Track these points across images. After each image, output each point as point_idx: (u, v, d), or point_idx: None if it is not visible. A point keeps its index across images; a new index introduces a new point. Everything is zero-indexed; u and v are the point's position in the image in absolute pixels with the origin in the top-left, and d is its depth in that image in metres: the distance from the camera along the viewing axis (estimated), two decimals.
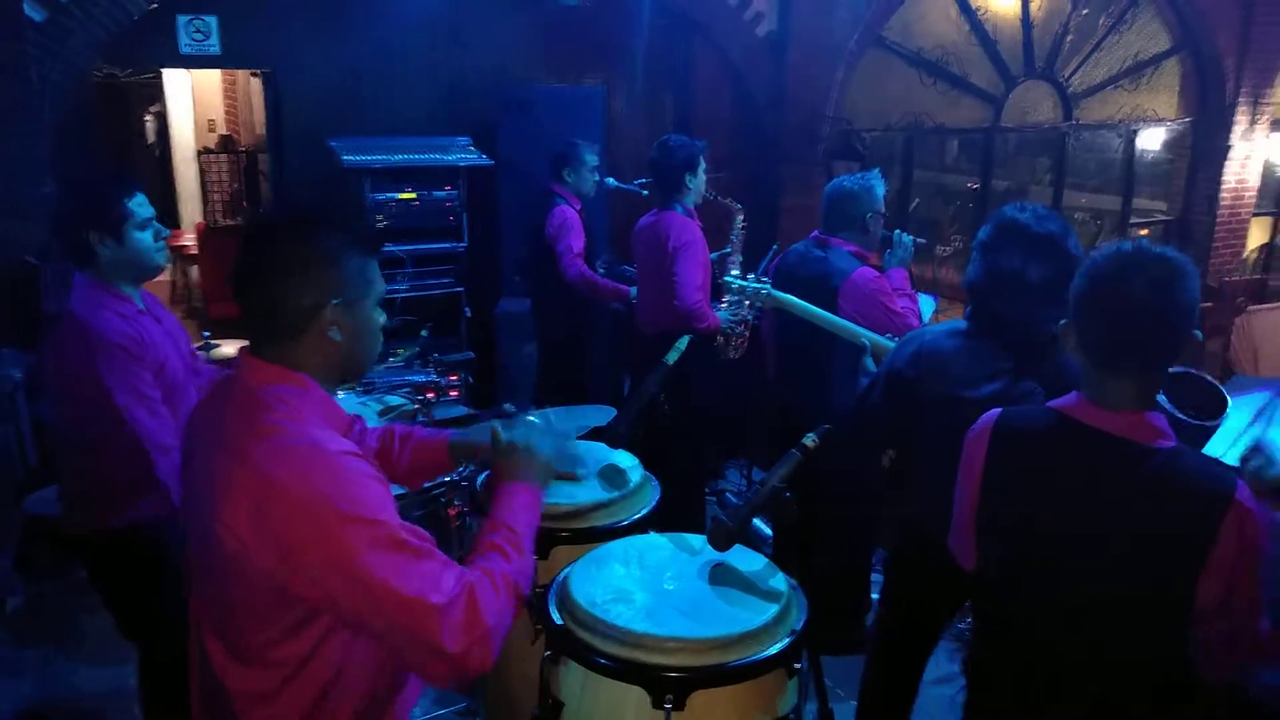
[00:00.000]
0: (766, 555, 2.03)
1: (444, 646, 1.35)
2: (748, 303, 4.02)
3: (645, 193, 4.36)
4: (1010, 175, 7.59)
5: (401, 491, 2.67)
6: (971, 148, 7.35)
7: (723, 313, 4.02)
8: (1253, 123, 7.56)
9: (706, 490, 4.74)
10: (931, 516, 2.51)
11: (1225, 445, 3.11)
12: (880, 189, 3.43)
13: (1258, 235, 8.62)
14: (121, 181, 2.44)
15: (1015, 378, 2.31)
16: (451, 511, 2.89)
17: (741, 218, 4.16)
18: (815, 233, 3.48)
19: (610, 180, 4.85)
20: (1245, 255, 8.39)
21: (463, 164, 5.12)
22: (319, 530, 1.33)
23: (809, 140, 5.99)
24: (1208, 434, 1.84)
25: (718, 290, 4.05)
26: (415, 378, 3.44)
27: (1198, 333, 1.60)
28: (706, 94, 6.17)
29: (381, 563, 1.33)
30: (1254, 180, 7.81)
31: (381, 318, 1.57)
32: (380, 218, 4.87)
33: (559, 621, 1.82)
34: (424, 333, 3.80)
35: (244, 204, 8.64)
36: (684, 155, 3.91)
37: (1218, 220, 7.67)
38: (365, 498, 1.37)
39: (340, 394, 3.32)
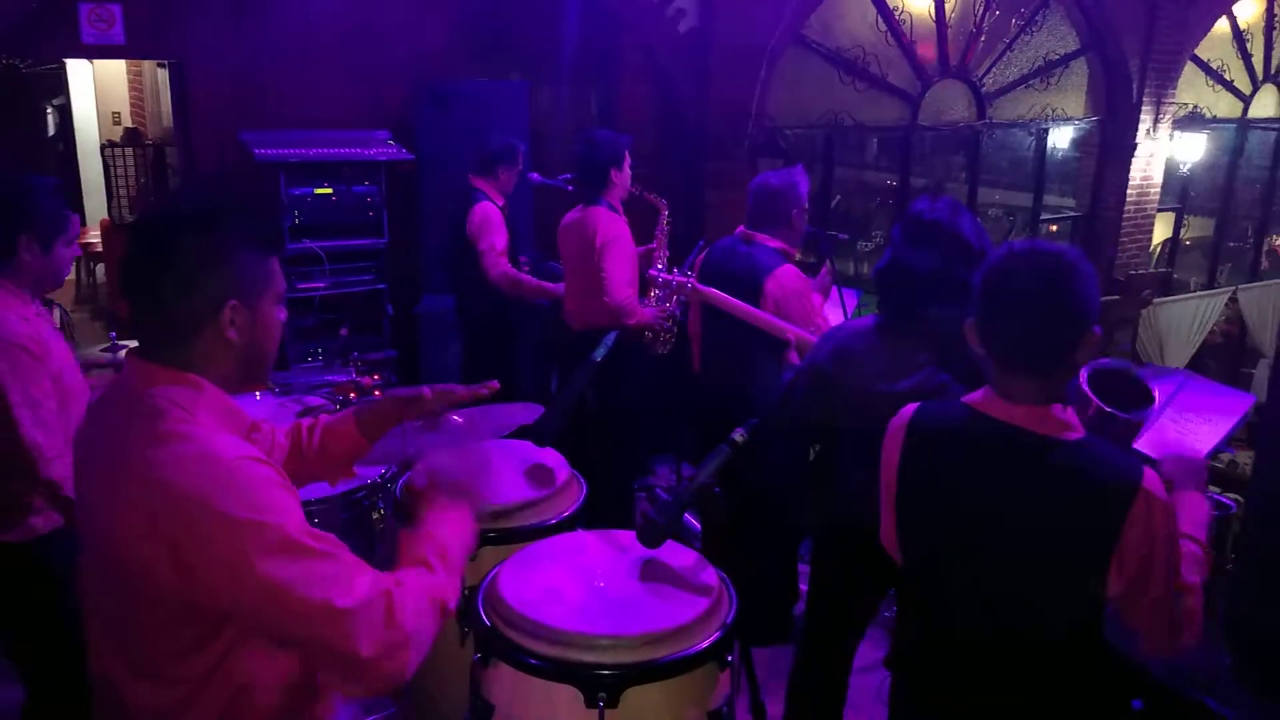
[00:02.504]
0: (696, 549, 2.03)
1: (356, 651, 1.31)
2: (674, 298, 4.02)
3: (570, 188, 4.33)
4: (928, 172, 7.75)
5: (322, 497, 2.61)
6: (891, 145, 7.49)
7: (650, 308, 4.02)
8: (1156, 122, 7.86)
9: (636, 486, 4.75)
10: (853, 507, 2.56)
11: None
12: (804, 185, 3.47)
13: (1162, 230, 8.98)
14: (61, 190, 2.36)
15: (931, 371, 2.36)
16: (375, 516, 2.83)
17: (667, 213, 4.16)
18: (740, 228, 3.51)
19: (534, 176, 4.80)
20: (1150, 249, 8.73)
21: (382, 159, 5.02)
22: (219, 539, 1.28)
23: (733, 136, 6.02)
24: (1136, 428, 1.89)
25: (644, 285, 4.04)
26: (335, 378, 3.36)
27: (1096, 328, 1.61)
28: (631, 90, 6.16)
29: (285, 568, 1.29)
30: (1158, 177, 8.12)
31: (282, 316, 1.50)
32: (297, 214, 4.74)
33: (487, 623, 1.79)
34: (342, 331, 3.70)
35: (151, 199, 8.34)
36: (609, 150, 3.89)
37: (1124, 216, 7.95)
38: (265, 503, 1.31)
39: (258, 395, 3.24)
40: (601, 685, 1.65)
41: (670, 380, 4.51)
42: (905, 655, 1.90)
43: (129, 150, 8.71)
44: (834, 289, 3.91)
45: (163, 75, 7.41)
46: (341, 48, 5.38)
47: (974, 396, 1.71)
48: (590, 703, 1.65)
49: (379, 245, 5.05)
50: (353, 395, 3.38)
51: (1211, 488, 3.21)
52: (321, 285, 4.73)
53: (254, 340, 1.44)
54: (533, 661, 1.70)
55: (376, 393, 4.02)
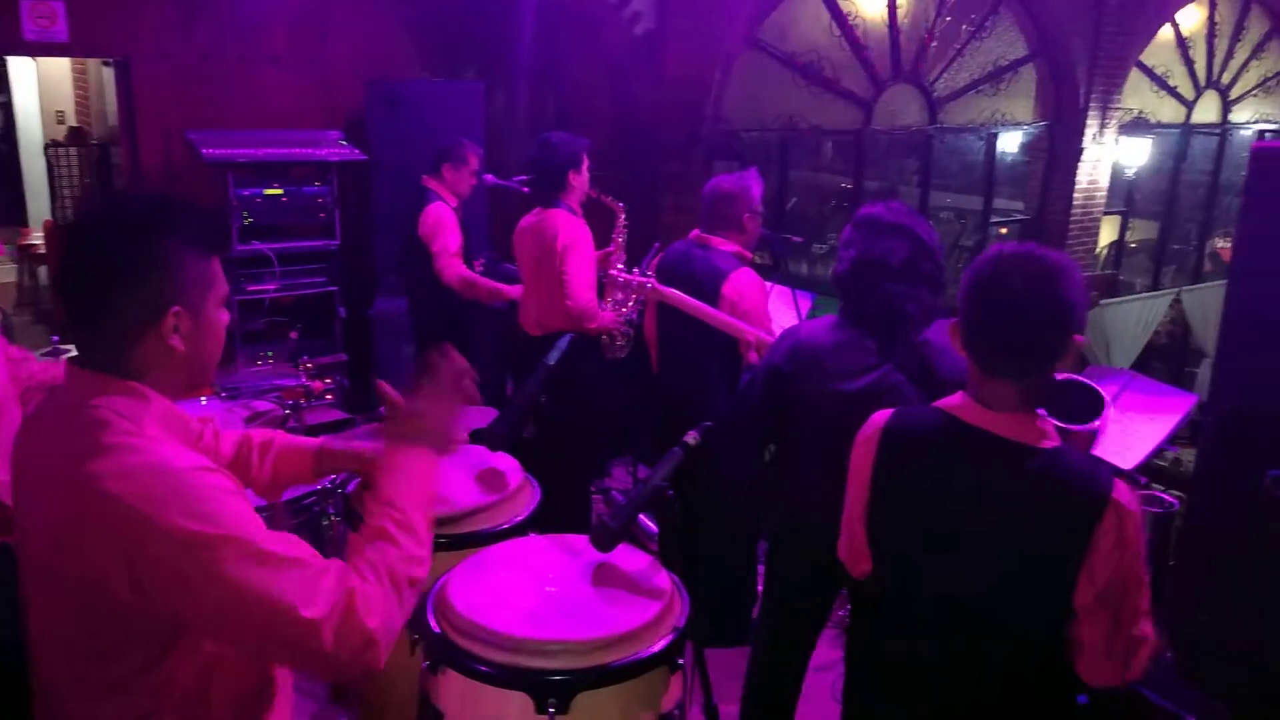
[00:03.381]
0: (652, 551, 2.03)
1: (327, 653, 1.28)
2: (632, 300, 4.02)
3: (526, 190, 4.30)
4: (881, 175, 7.84)
5: (268, 504, 2.56)
6: (845, 149, 7.56)
7: (609, 311, 4.00)
8: (1102, 126, 8.02)
9: (593, 489, 4.73)
10: (809, 508, 2.57)
11: None
12: (757, 188, 3.47)
13: (1108, 233, 9.17)
14: None
15: (886, 370, 2.39)
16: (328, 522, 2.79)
17: (624, 216, 4.15)
18: (695, 232, 3.51)
19: (489, 177, 4.77)
20: (1097, 251, 8.90)
21: (334, 159, 4.96)
22: (174, 553, 1.24)
23: (689, 139, 6.03)
24: (1092, 437, 1.92)
25: (602, 288, 4.03)
26: (284, 381, 3.30)
27: (1078, 336, 1.61)
28: (588, 92, 6.14)
29: (247, 579, 1.25)
30: (1104, 181, 8.29)
31: (225, 319, 1.46)
32: (246, 215, 4.66)
33: (437, 630, 1.76)
34: (292, 334, 3.64)
35: (89, 201, 8.15)
36: (567, 153, 3.87)
37: (1071, 219, 8.10)
38: (220, 513, 1.27)
39: (203, 400, 3.17)
40: (552, 691, 1.64)
41: (627, 383, 4.50)
42: (863, 656, 1.91)
43: (73, 150, 8.51)
44: (788, 290, 3.94)
45: (108, 73, 7.26)
46: (292, 46, 5.31)
47: (950, 402, 1.71)
48: (540, 709, 1.64)
49: (331, 247, 4.99)
50: (305, 401, 3.32)
51: (1155, 486, 3.28)
52: (272, 287, 4.66)
53: (198, 346, 1.39)
54: (482, 668, 1.68)
55: (329, 396, 3.98)
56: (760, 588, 3.36)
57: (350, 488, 2.31)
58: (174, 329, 1.35)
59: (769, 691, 2.82)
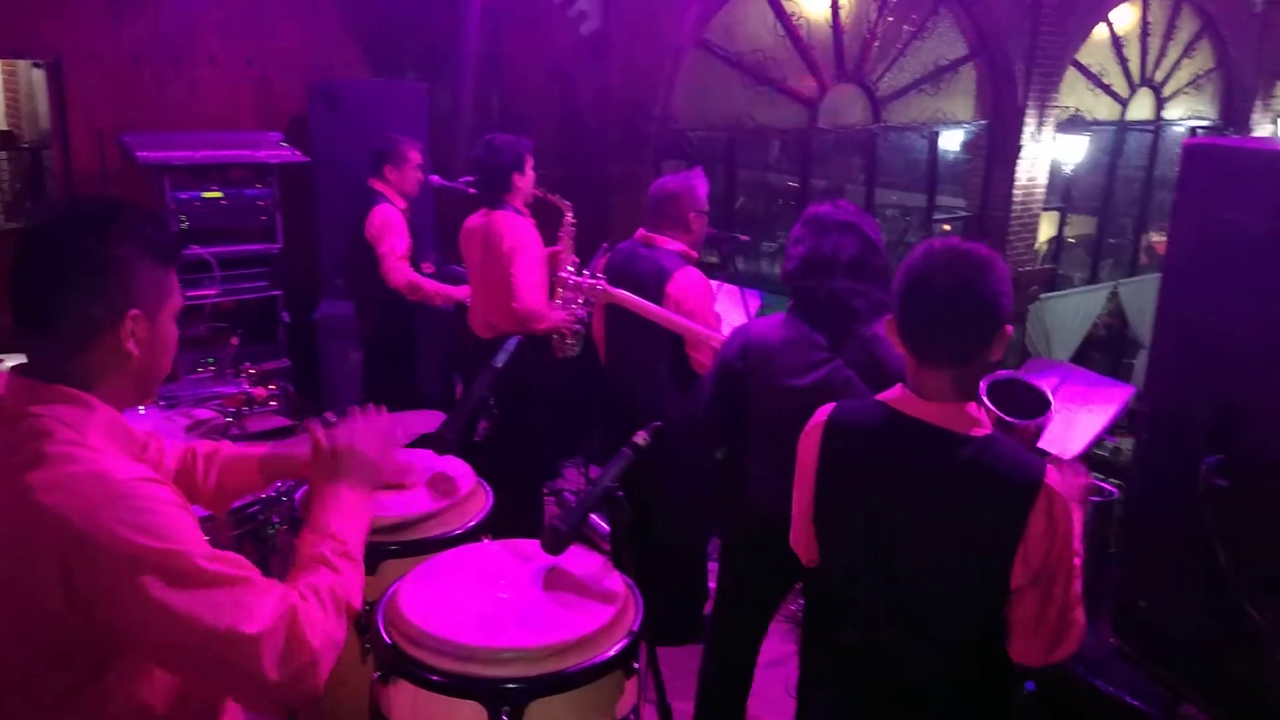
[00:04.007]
0: (605, 551, 2.02)
1: (266, 677, 1.26)
2: (581, 300, 4.00)
3: (472, 191, 4.26)
4: (827, 174, 7.91)
5: (211, 514, 2.50)
6: (791, 148, 7.61)
7: (558, 312, 3.98)
8: (1040, 124, 8.19)
9: (545, 491, 4.70)
10: (763, 503, 2.59)
11: None
12: (702, 188, 3.48)
13: (1047, 228, 9.36)
14: None
15: (836, 365, 2.42)
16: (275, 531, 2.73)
17: (571, 216, 4.13)
18: (641, 231, 3.51)
19: (435, 178, 4.72)
20: (1037, 247, 9.09)
21: (274, 160, 4.85)
22: (115, 567, 1.21)
23: (637, 139, 6.03)
24: (1037, 433, 1.95)
25: (551, 288, 4.01)
26: (226, 389, 3.22)
27: (1009, 326, 1.66)
28: (534, 92, 6.11)
29: (186, 596, 1.23)
30: (1042, 178, 8.46)
31: (176, 333, 1.44)
32: (183, 219, 4.55)
33: (388, 640, 1.74)
34: (234, 340, 3.56)
35: (28, 206, 7.91)
36: (510, 154, 3.84)
37: (1011, 215, 8.25)
38: (164, 527, 1.25)
39: (142, 410, 3.08)
40: (505, 699, 1.62)
41: (578, 383, 4.48)
42: (814, 648, 1.93)
43: (3, 153, 8.24)
44: (736, 288, 3.95)
45: (38, 75, 7.04)
46: (229, 46, 5.20)
47: (889, 395, 1.75)
48: (494, 717, 1.62)
49: (273, 250, 4.89)
50: (247, 408, 3.25)
51: (1095, 475, 3.36)
52: (212, 293, 4.55)
53: (151, 355, 1.38)
54: (434, 678, 1.66)
55: (274, 403, 3.90)
56: (713, 585, 3.37)
57: (298, 495, 2.27)
58: (131, 333, 1.33)
59: (722, 688, 2.83)
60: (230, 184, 4.79)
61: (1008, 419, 1.75)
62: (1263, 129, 10.33)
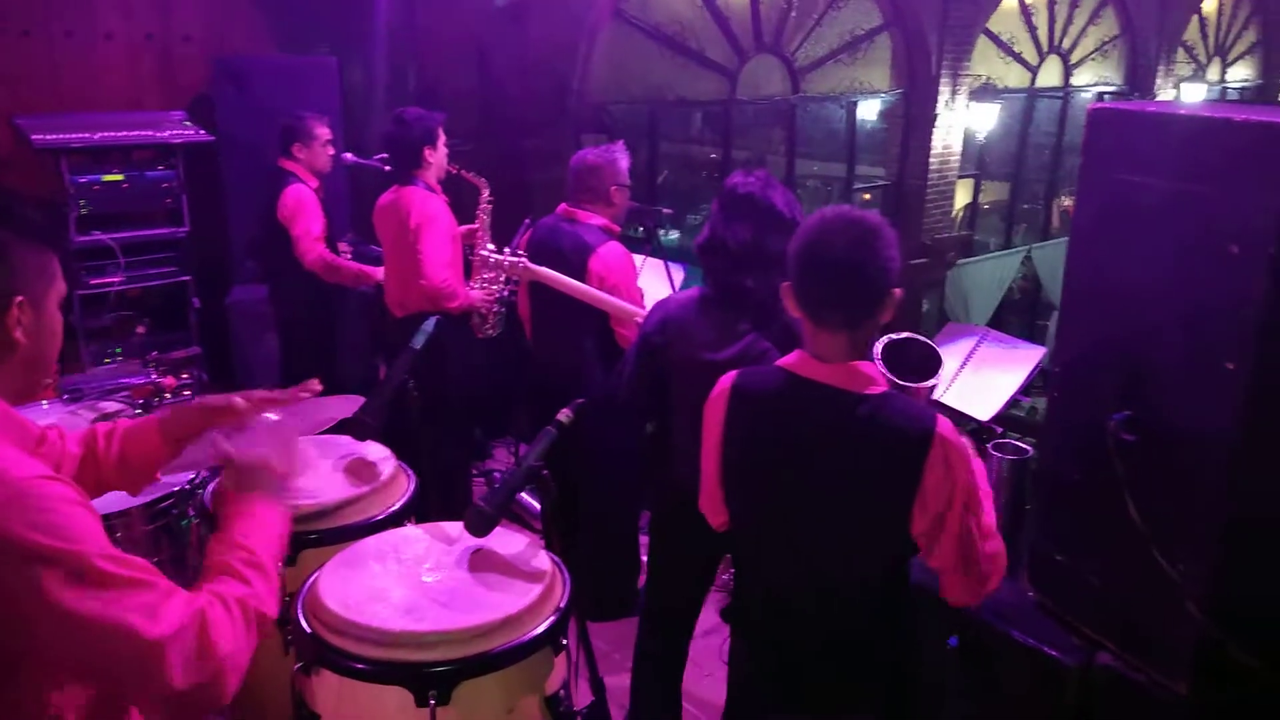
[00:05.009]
0: (536, 529, 2.00)
1: (169, 683, 1.21)
2: (503, 278, 3.95)
3: (387, 169, 4.17)
4: (749, 146, 7.94)
5: (123, 510, 2.42)
6: (713, 120, 7.62)
7: (477, 291, 3.93)
8: (954, 93, 8.33)
9: (475, 472, 4.66)
10: (688, 477, 2.59)
11: (940, 388, 3.41)
12: (624, 161, 3.46)
13: (963, 196, 9.56)
14: None
15: (754, 339, 2.42)
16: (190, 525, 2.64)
17: (488, 192, 4.07)
18: (562, 206, 3.47)
19: (348, 156, 4.60)
20: (953, 214, 9.28)
21: (178, 141, 4.66)
22: (11, 570, 1.16)
23: (556, 113, 5.96)
24: (930, 392, 2.00)
25: (469, 267, 3.95)
26: (133, 380, 3.10)
27: (898, 289, 1.72)
28: (450, 65, 5.98)
29: (87, 600, 1.18)
30: (957, 146, 8.62)
31: (61, 320, 1.39)
32: (84, 204, 4.35)
33: (308, 629, 1.70)
34: (140, 329, 3.43)
35: None
36: (421, 128, 3.76)
37: (928, 183, 8.40)
38: (63, 526, 1.20)
39: (45, 404, 2.95)
40: (431, 683, 1.60)
41: (505, 362, 4.44)
42: (739, 611, 1.99)
43: None
44: (661, 262, 3.95)
45: None
46: (127, 21, 4.97)
47: (788, 359, 1.81)
48: (421, 702, 1.60)
49: (180, 234, 4.71)
50: (157, 399, 3.14)
51: (1012, 434, 3.45)
52: (117, 280, 4.36)
53: (38, 344, 1.33)
54: (358, 666, 1.62)
55: (187, 392, 3.78)
56: (645, 558, 3.38)
57: (208, 490, 2.20)
58: (17, 321, 1.29)
59: (658, 659, 2.84)
60: (132, 166, 4.60)
61: (900, 382, 1.81)
62: (1166, 94, 10.69)
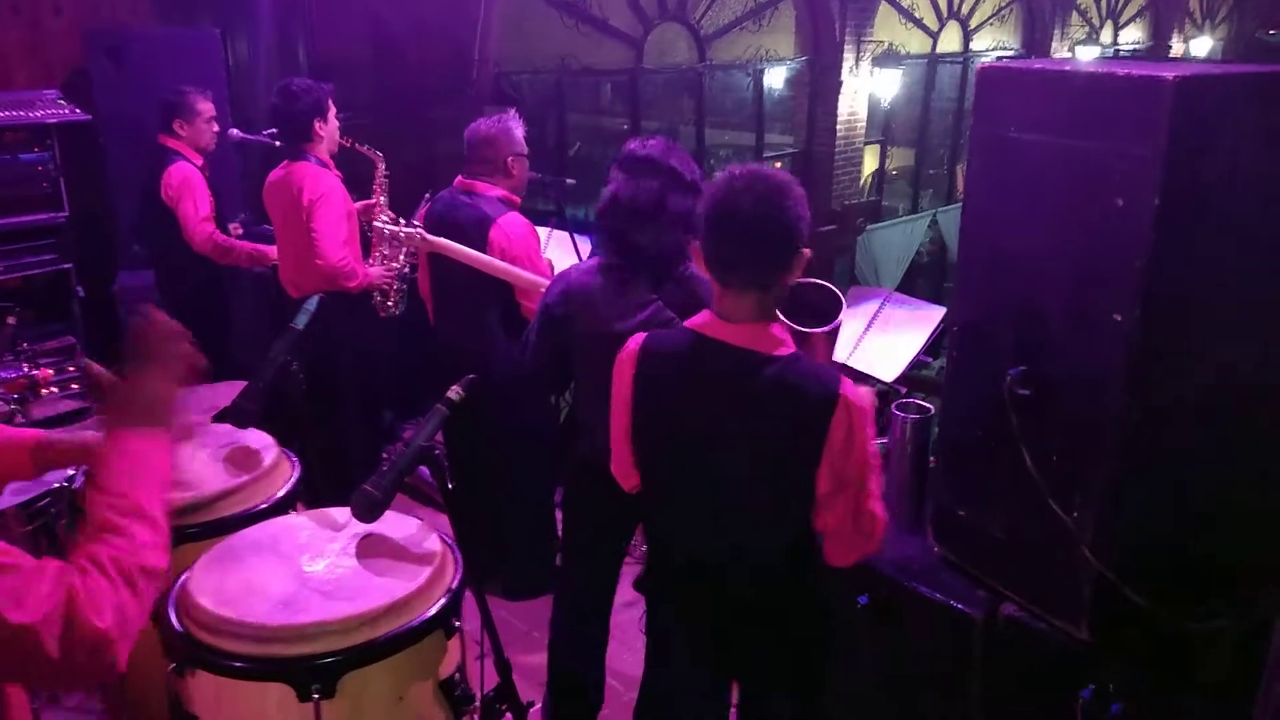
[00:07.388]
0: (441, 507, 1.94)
1: (53, 662, 1.14)
2: (403, 253, 3.83)
3: (277, 144, 3.99)
4: (659, 115, 7.88)
5: None
6: (621, 90, 7.53)
7: (375, 267, 3.80)
8: (858, 60, 8.39)
9: (386, 456, 4.54)
10: (598, 448, 2.55)
11: (845, 350, 3.43)
12: (519, 130, 3.36)
13: (870, 162, 9.67)
14: None
15: (658, 306, 2.39)
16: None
17: (384, 166, 3.93)
18: (459, 179, 3.37)
19: (235, 131, 4.39)
20: (861, 181, 9.38)
21: (53, 120, 4.40)
22: None
23: (457, 83, 5.80)
24: (834, 334, 2.00)
25: (366, 243, 3.81)
26: (4, 374, 2.91)
27: (805, 249, 1.71)
28: (344, 35, 5.76)
29: None
30: (863, 112, 8.70)
31: None
32: None
33: (179, 629, 1.60)
34: (10, 320, 3.23)
35: None
36: (309, 100, 3.59)
37: (836, 150, 8.47)
38: None
39: None
40: (314, 676, 1.53)
41: (411, 342, 4.31)
42: (652, 580, 1.99)
43: None
44: (567, 233, 3.87)
45: None
46: None
47: (697, 320, 1.80)
48: (304, 696, 1.52)
49: (58, 220, 4.46)
50: (33, 394, 2.95)
51: (915, 394, 3.48)
52: None
53: None
54: (235, 664, 1.54)
55: (74, 385, 3.57)
56: (560, 534, 3.34)
57: (78, 483, 2.07)
58: None
59: (577, 635, 2.81)
60: (3, 149, 4.33)
61: (802, 329, 1.80)
62: (1061, 56, 10.96)
